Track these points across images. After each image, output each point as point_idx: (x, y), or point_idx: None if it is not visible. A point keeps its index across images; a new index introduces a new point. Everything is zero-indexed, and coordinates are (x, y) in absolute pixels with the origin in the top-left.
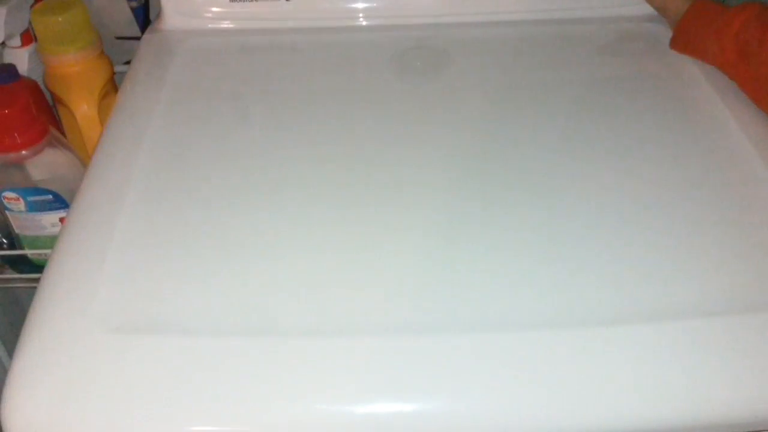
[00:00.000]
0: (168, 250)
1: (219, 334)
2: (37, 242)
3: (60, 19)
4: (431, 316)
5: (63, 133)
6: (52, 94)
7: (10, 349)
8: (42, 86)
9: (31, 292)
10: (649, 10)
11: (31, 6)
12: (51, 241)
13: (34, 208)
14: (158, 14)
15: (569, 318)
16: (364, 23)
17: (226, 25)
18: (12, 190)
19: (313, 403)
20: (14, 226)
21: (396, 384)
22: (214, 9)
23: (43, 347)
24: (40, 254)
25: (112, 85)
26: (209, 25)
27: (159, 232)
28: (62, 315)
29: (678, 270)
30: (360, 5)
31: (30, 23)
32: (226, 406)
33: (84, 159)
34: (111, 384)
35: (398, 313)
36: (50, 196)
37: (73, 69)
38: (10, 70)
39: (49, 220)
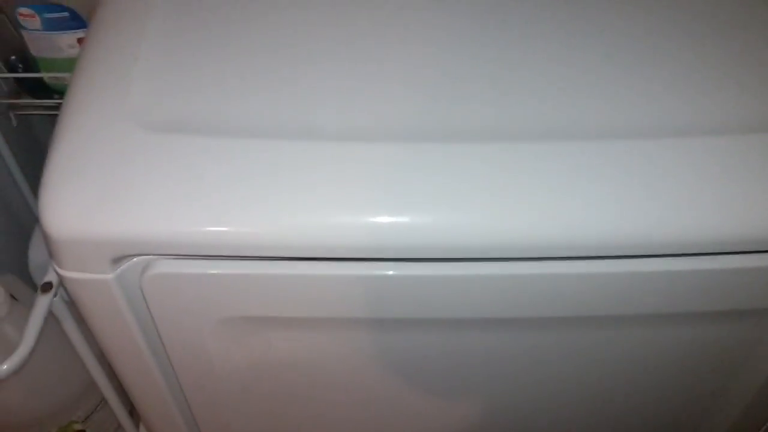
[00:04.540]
0: (202, 53)
1: (252, 136)
2: (54, 65)
3: None
4: (443, 126)
5: None
6: None
7: (28, 177)
8: None
9: (46, 120)
10: None
11: None
12: (68, 64)
13: (50, 26)
14: None
15: (581, 130)
16: None
17: None
18: (27, 6)
19: (333, 208)
20: (31, 48)
21: (411, 192)
22: None
23: (77, 144)
24: (57, 78)
25: None
26: None
27: (192, 35)
28: (97, 112)
29: (684, 88)
30: None
31: None
32: (259, 208)
33: None
34: (149, 182)
35: (419, 122)
36: (66, 14)
37: None
38: None
39: (65, 40)
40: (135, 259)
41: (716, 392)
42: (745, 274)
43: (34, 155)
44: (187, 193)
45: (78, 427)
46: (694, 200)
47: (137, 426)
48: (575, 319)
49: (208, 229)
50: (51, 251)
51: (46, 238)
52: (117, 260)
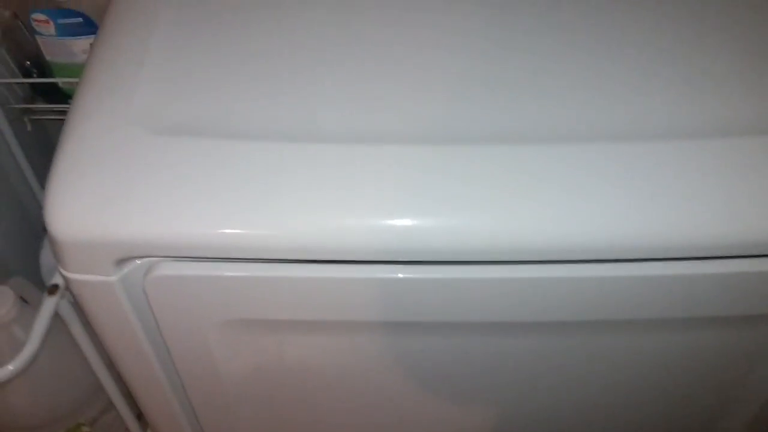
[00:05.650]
0: (208, 56)
1: (257, 139)
2: (68, 70)
3: None
4: (452, 129)
5: None
6: None
7: (42, 181)
8: None
9: (60, 125)
10: None
11: None
12: (82, 69)
13: (64, 32)
14: None
15: (591, 133)
16: None
17: None
18: (41, 11)
19: (339, 211)
20: (45, 53)
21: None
22: None
23: (82, 147)
24: (71, 83)
25: None
26: None
27: (198, 39)
28: (102, 115)
29: (689, 90)
30: None
31: None
32: (264, 210)
33: None
34: (153, 184)
35: (427, 124)
36: (80, 19)
37: None
38: None
39: (79, 45)
40: (138, 261)
41: (726, 400)
42: (756, 279)
43: (48, 159)
44: (191, 196)
45: (86, 429)
46: (705, 203)
47: (145, 430)
48: (583, 323)
49: (211, 231)
50: (56, 253)
51: (51, 240)
52: (121, 262)
